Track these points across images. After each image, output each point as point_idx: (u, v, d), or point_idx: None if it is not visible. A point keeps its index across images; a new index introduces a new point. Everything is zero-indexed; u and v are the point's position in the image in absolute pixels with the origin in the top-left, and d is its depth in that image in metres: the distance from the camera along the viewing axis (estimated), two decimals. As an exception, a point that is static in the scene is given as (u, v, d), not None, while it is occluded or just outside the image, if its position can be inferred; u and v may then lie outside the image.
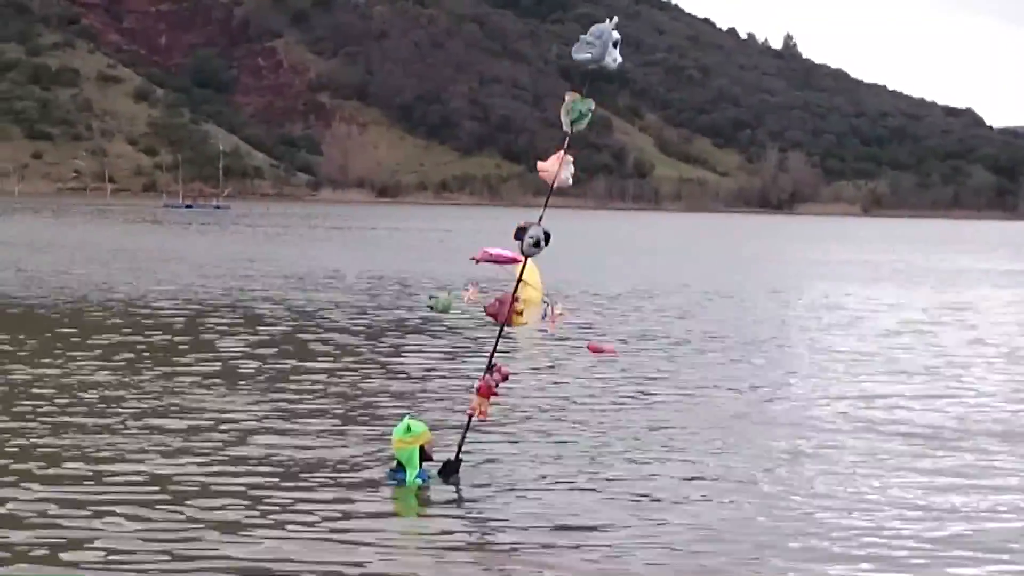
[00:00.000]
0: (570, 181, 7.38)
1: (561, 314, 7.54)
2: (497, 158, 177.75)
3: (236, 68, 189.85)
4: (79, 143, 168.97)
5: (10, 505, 6.81)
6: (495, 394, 7.58)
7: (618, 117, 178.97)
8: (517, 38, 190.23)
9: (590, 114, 7.19)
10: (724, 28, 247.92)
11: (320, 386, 12.11)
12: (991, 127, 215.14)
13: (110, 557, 5.90)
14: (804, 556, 6.31)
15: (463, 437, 7.72)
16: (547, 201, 7.56)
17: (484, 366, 7.73)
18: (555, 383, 12.74)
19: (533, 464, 8.50)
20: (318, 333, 17.16)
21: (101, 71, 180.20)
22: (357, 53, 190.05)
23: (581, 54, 6.94)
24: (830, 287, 30.87)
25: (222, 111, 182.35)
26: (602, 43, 6.86)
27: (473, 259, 7.65)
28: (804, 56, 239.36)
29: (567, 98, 7.24)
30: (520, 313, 7.52)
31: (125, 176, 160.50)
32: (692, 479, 8.19)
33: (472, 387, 7.85)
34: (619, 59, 7.00)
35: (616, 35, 6.93)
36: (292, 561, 5.85)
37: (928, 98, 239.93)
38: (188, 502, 6.93)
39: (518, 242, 7.27)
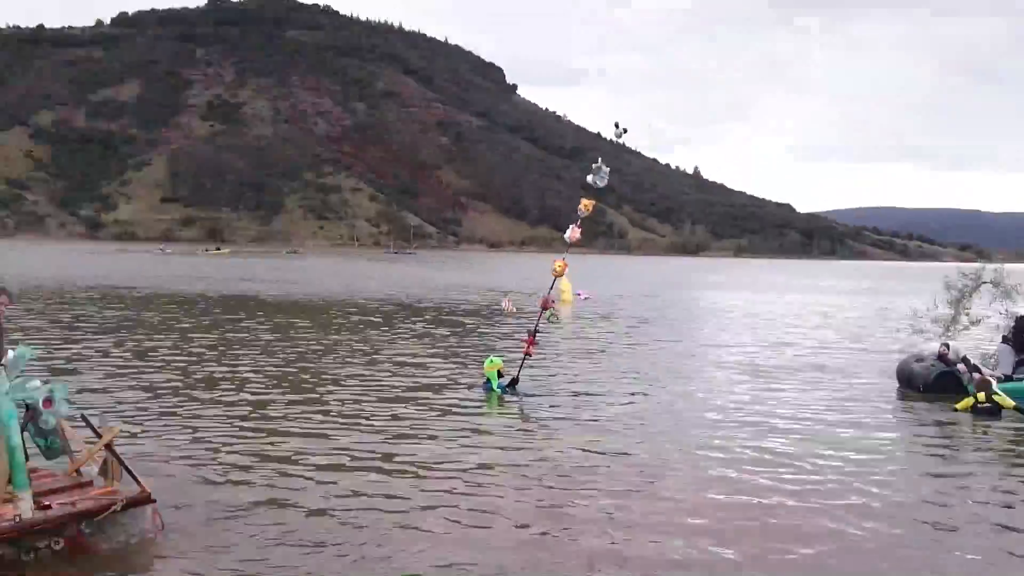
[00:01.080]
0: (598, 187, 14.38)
1: (587, 298, 17.04)
2: (549, 228, 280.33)
3: (420, 184, 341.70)
4: (342, 221, 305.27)
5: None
6: (534, 343, 14.48)
7: (609, 208, 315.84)
8: (561, 167, 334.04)
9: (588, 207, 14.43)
10: (663, 162, 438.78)
11: (455, 340, 21.14)
12: (799, 212, 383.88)
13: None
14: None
15: (521, 366, 14.20)
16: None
17: (532, 329, 14.64)
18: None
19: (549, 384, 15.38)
20: (457, 316, 28.41)
21: (352, 185, 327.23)
22: (480, 176, 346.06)
23: (590, 178, 13.99)
24: (726, 294, 52.46)
25: (411, 205, 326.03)
26: (601, 175, 13.95)
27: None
28: (704, 175, 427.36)
29: (582, 201, 14.29)
30: (556, 303, 14.87)
31: (365, 237, 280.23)
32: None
33: (524, 338, 14.65)
34: (606, 181, 13.97)
35: (607, 170, 14.04)
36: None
37: (764, 196, 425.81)
38: (398, 412, 16.00)
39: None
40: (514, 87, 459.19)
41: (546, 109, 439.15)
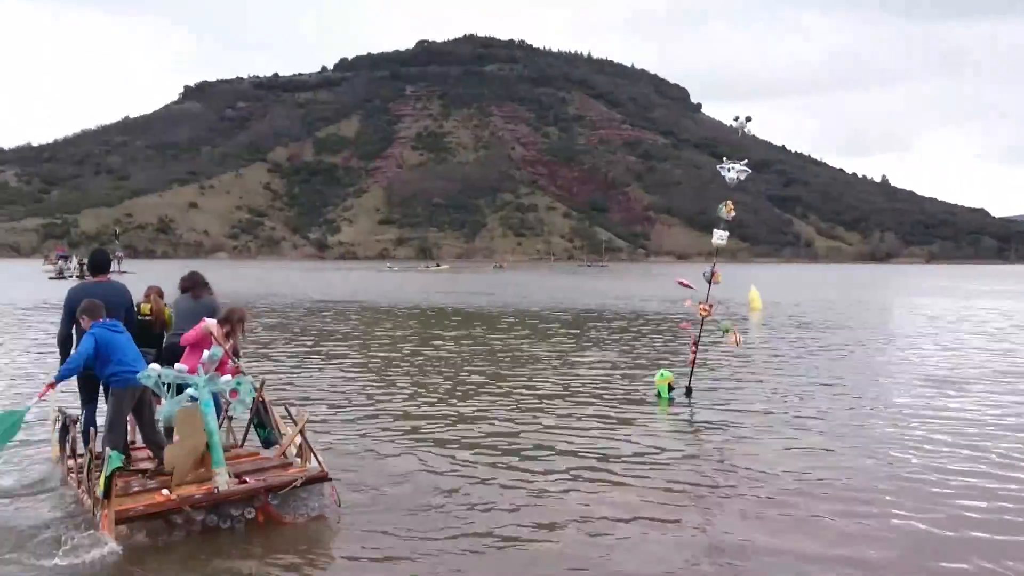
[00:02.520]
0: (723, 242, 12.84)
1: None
2: (735, 239, 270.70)
3: (609, 201, 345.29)
4: (538, 237, 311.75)
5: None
6: (695, 352, 12.97)
7: (795, 217, 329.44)
8: (745, 180, 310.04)
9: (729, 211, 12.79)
10: (849, 171, 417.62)
11: (626, 347, 19.42)
12: (993, 216, 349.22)
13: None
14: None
15: (691, 374, 12.99)
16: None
17: (697, 338, 12.94)
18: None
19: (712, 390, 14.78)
20: (637, 323, 26.20)
21: (547, 204, 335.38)
22: (666, 191, 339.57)
23: (728, 175, 12.78)
24: (921, 299, 45.25)
25: (602, 222, 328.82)
26: (735, 172, 12.70)
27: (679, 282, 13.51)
28: (892, 182, 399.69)
29: (726, 203, 12.80)
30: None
31: (560, 252, 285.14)
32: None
33: (691, 346, 13.11)
34: (741, 178, 12.72)
35: (740, 168, 12.76)
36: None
37: (956, 201, 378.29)
38: (568, 399, 15.46)
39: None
40: (698, 106, 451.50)
41: (730, 125, 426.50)
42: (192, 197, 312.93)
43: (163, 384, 6.58)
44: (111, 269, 8.21)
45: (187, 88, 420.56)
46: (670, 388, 12.64)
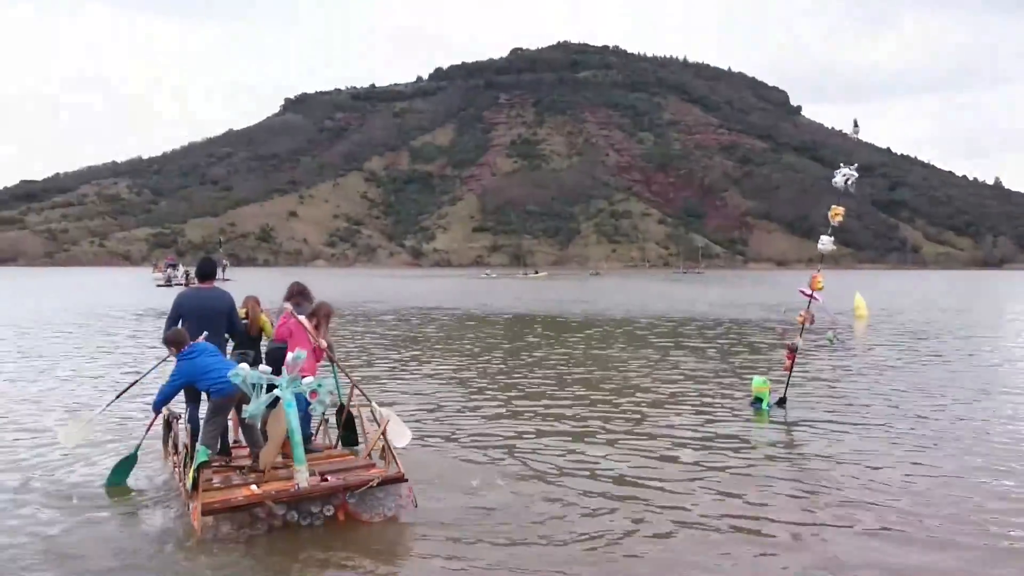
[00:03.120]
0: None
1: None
2: (837, 244, 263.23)
3: (706, 207, 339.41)
4: (633, 243, 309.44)
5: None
6: (793, 360, 12.31)
7: (901, 221, 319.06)
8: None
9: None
10: (959, 173, 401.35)
11: (722, 354, 18.86)
12: None
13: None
14: None
15: (787, 384, 12.30)
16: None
17: (793, 345, 12.21)
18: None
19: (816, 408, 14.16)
20: (736, 330, 24.99)
21: (641, 210, 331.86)
22: (765, 196, 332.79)
23: (837, 181, 11.70)
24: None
25: (699, 228, 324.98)
26: (844, 178, 11.66)
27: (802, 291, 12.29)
28: (1006, 186, 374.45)
29: (832, 209, 11.71)
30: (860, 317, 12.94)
31: (655, 259, 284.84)
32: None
33: (787, 354, 12.38)
34: (848, 184, 11.65)
35: (849, 173, 11.69)
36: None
37: None
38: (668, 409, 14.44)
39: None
40: (798, 108, 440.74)
41: (831, 128, 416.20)
42: (292, 206, 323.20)
43: (250, 384, 6.69)
44: (216, 276, 8.62)
45: (288, 100, 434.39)
46: (763, 398, 12.09)
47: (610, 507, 7.07)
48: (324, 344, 7.94)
